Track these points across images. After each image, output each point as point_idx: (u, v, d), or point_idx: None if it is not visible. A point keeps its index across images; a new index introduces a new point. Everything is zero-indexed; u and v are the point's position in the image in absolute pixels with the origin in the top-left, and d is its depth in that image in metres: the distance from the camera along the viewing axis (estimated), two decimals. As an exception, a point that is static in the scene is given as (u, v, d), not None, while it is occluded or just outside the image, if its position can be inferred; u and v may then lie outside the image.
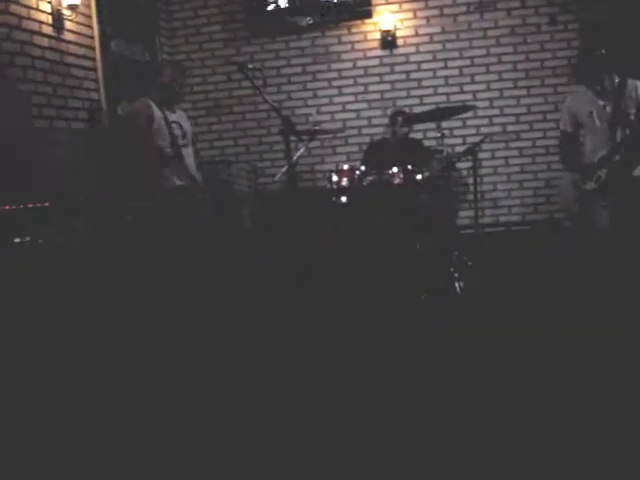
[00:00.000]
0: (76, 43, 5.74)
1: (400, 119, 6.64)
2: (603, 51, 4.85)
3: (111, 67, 6.18)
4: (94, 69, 5.98)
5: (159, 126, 5.23)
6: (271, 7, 7.53)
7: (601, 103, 4.96)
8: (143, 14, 6.97)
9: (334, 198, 5.72)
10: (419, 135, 7.28)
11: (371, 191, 5.65)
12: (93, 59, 5.97)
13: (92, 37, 5.96)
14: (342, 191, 5.70)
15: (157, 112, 5.25)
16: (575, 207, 5.10)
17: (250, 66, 4.99)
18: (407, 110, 6.97)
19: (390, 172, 5.66)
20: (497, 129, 7.56)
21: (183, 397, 3.71)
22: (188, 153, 5.44)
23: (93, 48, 5.97)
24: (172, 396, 3.73)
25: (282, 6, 7.52)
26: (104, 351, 4.07)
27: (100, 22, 6.05)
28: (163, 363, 4.11)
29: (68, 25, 5.63)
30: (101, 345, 4.10)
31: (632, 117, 4.87)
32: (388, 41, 7.57)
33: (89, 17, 5.93)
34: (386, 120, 7.16)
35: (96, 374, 3.88)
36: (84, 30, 5.87)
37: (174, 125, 5.33)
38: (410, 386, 3.79)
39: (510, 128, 7.60)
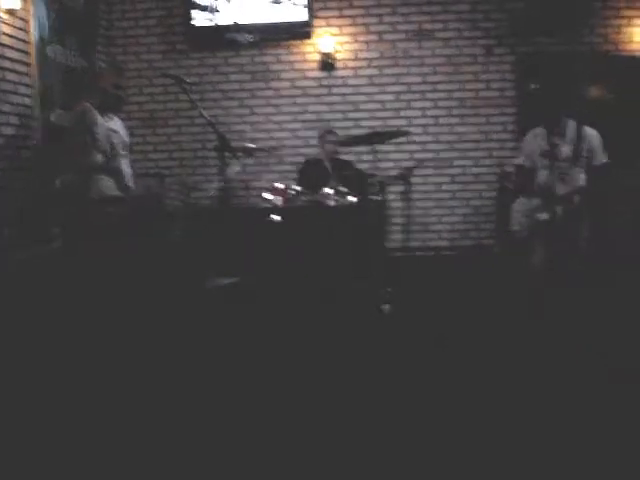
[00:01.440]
0: (11, 47, 5.61)
1: (328, 138, 6.71)
2: (537, 86, 5.06)
3: (46, 73, 6.07)
4: (28, 74, 5.86)
5: (100, 133, 5.10)
6: (211, 22, 7.52)
7: (555, 142, 5.20)
8: (82, 21, 6.87)
9: (267, 216, 5.72)
10: (353, 157, 7.35)
11: (304, 211, 5.68)
12: (28, 64, 5.85)
13: (28, 42, 5.84)
14: (275, 210, 5.71)
15: (99, 118, 5.12)
16: (522, 233, 5.33)
17: (188, 80, 4.97)
18: (335, 130, 7.03)
19: (323, 193, 5.70)
20: (430, 155, 7.69)
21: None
22: (126, 163, 5.35)
23: (29, 53, 5.85)
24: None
25: (222, 22, 7.52)
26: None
27: (37, 27, 5.94)
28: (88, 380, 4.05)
29: (4, 29, 5.50)
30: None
31: (583, 159, 5.14)
32: (327, 63, 7.64)
33: (26, 22, 5.81)
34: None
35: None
36: (21, 34, 5.74)
37: (113, 134, 5.22)
38: (330, 408, 3.81)
39: (443, 155, 7.74)
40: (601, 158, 5.18)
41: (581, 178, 5.18)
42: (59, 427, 3.53)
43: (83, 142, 4.97)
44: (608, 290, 5.39)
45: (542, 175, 5.33)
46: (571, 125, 5.21)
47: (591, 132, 5.21)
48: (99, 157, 5.04)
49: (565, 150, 5.19)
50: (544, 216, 5.23)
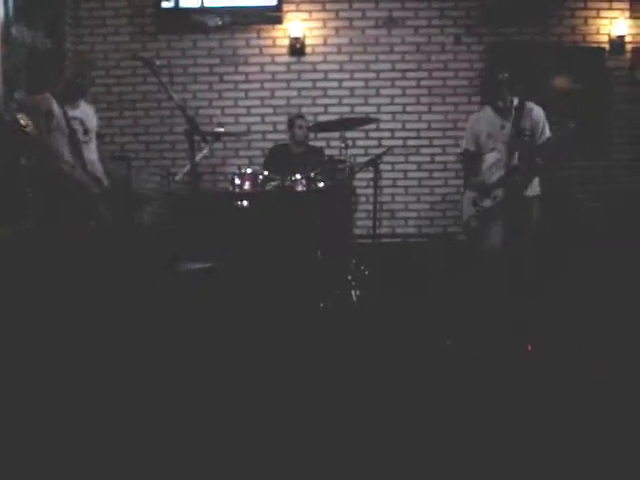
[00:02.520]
0: (-25, 26, 5.52)
1: (298, 123, 6.69)
2: (506, 75, 5.06)
3: (11, 53, 5.97)
4: (-7, 54, 5.76)
5: (57, 122, 5.05)
6: (180, 4, 7.44)
7: (499, 123, 5.15)
8: (48, 1, 6.75)
9: (235, 201, 5.70)
10: (322, 143, 7.34)
11: (273, 197, 5.67)
12: (-7, 43, 5.75)
13: (-7, 21, 5.75)
14: (244, 195, 5.69)
15: (56, 107, 5.06)
16: (473, 223, 5.28)
17: (158, 63, 4.92)
18: (305, 116, 6.99)
19: (293, 178, 5.70)
20: (398, 142, 7.71)
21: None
22: (90, 149, 5.29)
23: (-7, 32, 5.75)
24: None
25: (191, 5, 7.45)
26: None
27: (3, 6, 5.83)
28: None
29: (-32, 7, 5.41)
30: None
31: (526, 138, 5.09)
32: (296, 48, 7.60)
33: (-8, 0, 5.72)
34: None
35: None
36: (-15, 13, 5.65)
37: (74, 121, 5.16)
38: (303, 394, 3.82)
39: (410, 142, 7.77)
40: (545, 134, 5.10)
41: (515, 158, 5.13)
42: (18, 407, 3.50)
43: (39, 129, 4.91)
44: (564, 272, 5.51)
45: (489, 158, 5.25)
46: (515, 102, 5.14)
47: (532, 107, 5.14)
48: (57, 144, 4.97)
49: (507, 130, 5.14)
50: (487, 203, 5.20)
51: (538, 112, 5.12)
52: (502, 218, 5.10)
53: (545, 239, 5.35)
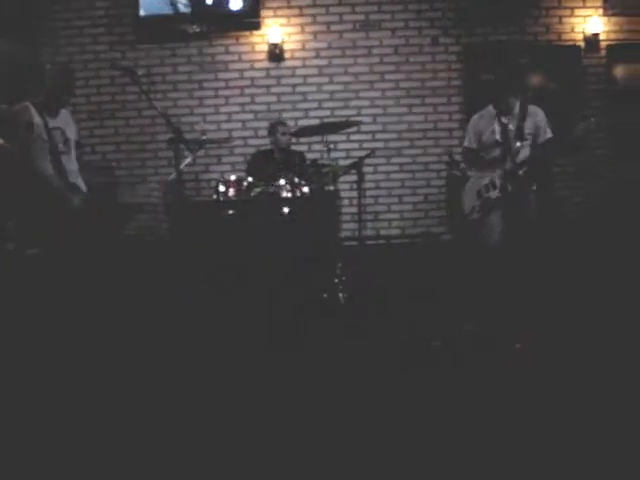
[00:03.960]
0: (-46, 40, 5.50)
1: (281, 130, 6.71)
2: (491, 76, 5.15)
3: (-10, 66, 5.97)
4: (-28, 68, 5.75)
5: (37, 133, 5.01)
6: (158, 12, 7.44)
7: (504, 121, 5.28)
8: (25, 12, 6.74)
9: (220, 209, 5.72)
10: (304, 148, 7.37)
11: (258, 203, 5.69)
12: (-29, 57, 5.74)
13: (-28, 34, 5.73)
14: (228, 202, 5.70)
15: (37, 118, 5.02)
16: (476, 215, 5.37)
17: (140, 73, 4.93)
18: (286, 122, 7.02)
19: (276, 184, 5.72)
20: (379, 145, 7.76)
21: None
22: (69, 159, 5.25)
23: (-28, 46, 5.74)
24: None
25: (170, 12, 7.45)
26: None
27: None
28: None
29: (-54, 21, 5.39)
30: None
31: (528, 138, 5.23)
32: (275, 54, 7.64)
33: (-31, 14, 5.70)
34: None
35: None
36: (-37, 27, 5.63)
37: (55, 132, 5.13)
38: (286, 398, 3.84)
39: (392, 144, 7.82)
40: (546, 134, 5.27)
41: (524, 153, 5.26)
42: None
43: (20, 141, 4.89)
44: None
45: (491, 156, 5.41)
46: (517, 105, 5.30)
47: (535, 110, 5.30)
48: (37, 156, 4.95)
49: (512, 127, 5.28)
50: (495, 194, 5.31)
51: (542, 115, 5.31)
52: (507, 210, 5.20)
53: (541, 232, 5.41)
